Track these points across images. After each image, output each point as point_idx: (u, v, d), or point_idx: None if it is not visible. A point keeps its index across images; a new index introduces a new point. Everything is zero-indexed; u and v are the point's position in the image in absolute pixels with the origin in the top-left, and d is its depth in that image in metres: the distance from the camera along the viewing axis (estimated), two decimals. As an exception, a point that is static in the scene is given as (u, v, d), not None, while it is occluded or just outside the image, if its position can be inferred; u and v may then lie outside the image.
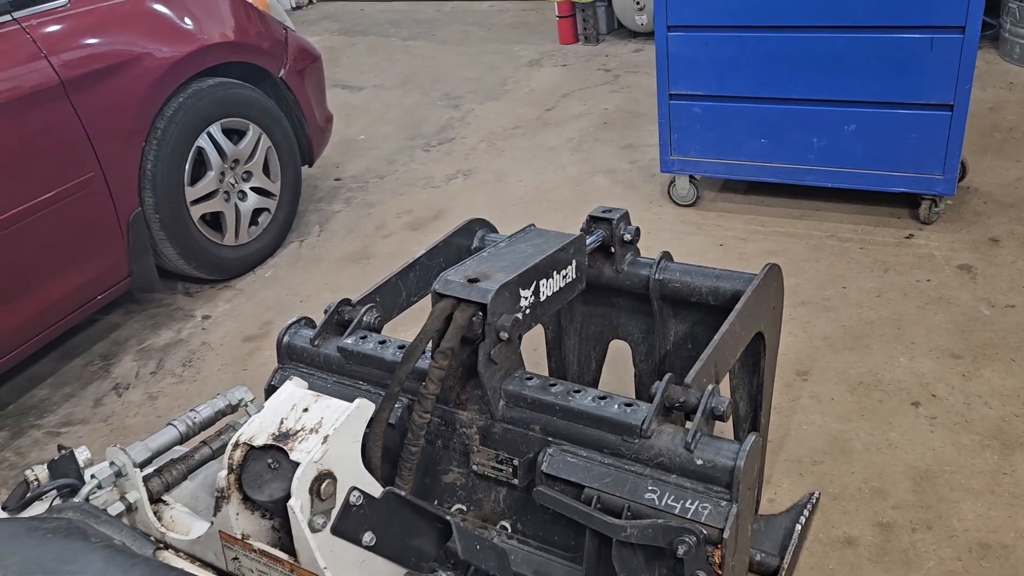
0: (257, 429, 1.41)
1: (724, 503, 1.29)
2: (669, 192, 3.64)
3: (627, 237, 1.88)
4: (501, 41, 6.12)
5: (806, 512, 1.96)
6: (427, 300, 1.61)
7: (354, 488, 1.36)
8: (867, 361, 2.59)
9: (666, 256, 1.90)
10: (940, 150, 3.02)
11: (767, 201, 3.53)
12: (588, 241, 1.81)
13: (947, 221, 3.22)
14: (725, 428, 2.05)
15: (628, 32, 5.74)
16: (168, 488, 1.58)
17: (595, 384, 2.17)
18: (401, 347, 1.66)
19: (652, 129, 3.54)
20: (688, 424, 1.38)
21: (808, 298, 2.91)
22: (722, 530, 1.26)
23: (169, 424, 1.62)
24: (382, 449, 1.54)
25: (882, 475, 2.19)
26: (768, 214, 3.46)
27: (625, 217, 1.89)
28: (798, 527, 1.90)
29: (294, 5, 7.83)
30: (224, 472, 1.38)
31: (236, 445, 1.40)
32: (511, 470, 1.52)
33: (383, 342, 1.70)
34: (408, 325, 2.14)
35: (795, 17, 3.03)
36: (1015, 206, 3.27)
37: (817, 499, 2.06)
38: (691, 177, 3.55)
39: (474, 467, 1.57)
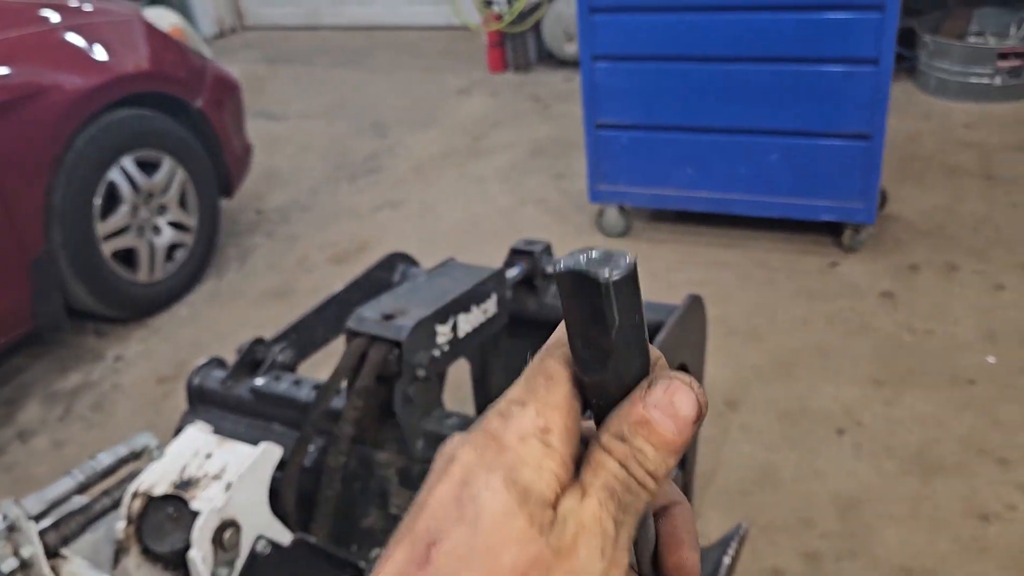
0: (157, 477, 1.35)
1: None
2: (599, 222, 3.64)
3: (550, 270, 1.86)
4: (430, 70, 6.11)
5: (735, 544, 1.94)
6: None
7: (260, 537, 1.31)
8: (794, 390, 2.61)
9: (590, 288, 1.88)
10: (859, 179, 3.09)
11: (696, 230, 3.56)
12: (510, 275, 1.78)
13: (869, 249, 3.29)
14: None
15: (557, 61, 5.79)
16: (66, 541, 1.50)
17: (522, 419, 2.13)
18: (316, 387, 1.60)
19: (582, 158, 3.54)
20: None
21: (736, 327, 2.92)
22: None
23: (67, 474, 1.53)
24: (296, 494, 1.48)
25: (809, 504, 2.19)
26: (697, 243, 3.48)
27: (547, 250, 1.87)
28: (726, 560, 1.87)
29: (216, 33, 7.71)
30: (122, 524, 1.32)
31: (134, 495, 1.34)
32: (430, 514, 1.46)
33: (297, 382, 1.64)
34: (328, 363, 2.06)
35: (718, 48, 3.08)
36: (933, 233, 3.36)
37: (746, 531, 2.04)
38: (620, 207, 3.56)
39: (393, 509, 1.52)
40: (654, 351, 0.39)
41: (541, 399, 0.38)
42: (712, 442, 2.41)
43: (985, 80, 4.43)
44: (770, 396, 2.59)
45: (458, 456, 0.37)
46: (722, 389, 2.61)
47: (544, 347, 0.40)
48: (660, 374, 0.38)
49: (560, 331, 0.40)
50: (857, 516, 2.15)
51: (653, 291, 3.09)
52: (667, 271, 3.32)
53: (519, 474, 0.36)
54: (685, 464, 1.89)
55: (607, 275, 0.35)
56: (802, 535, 2.11)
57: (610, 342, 0.36)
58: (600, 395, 0.38)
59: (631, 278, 0.35)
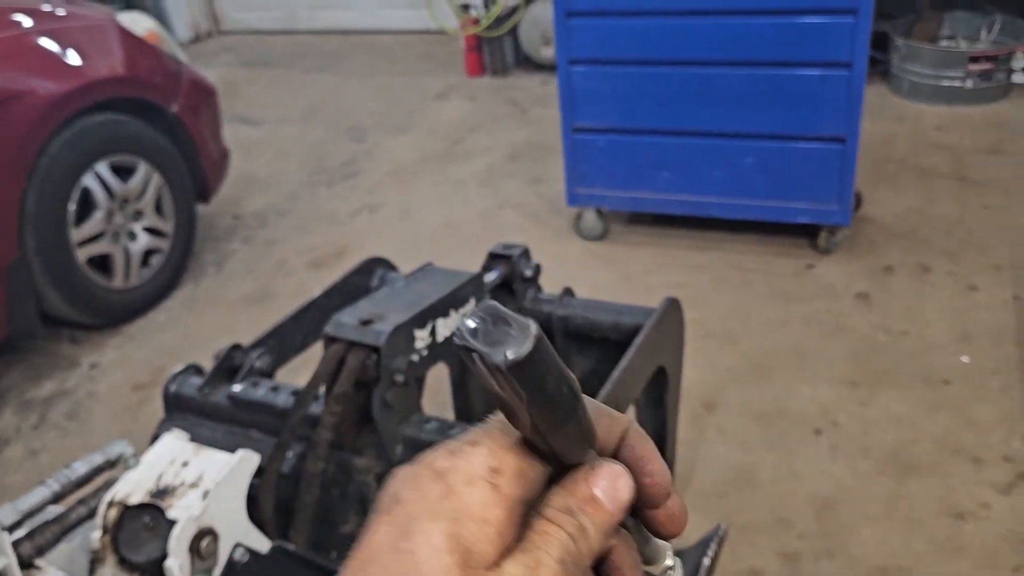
0: (133, 486, 1.34)
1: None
2: (576, 225, 3.65)
3: (528, 274, 1.86)
4: (408, 74, 6.10)
5: (714, 546, 1.95)
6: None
7: (238, 545, 1.30)
8: (771, 391, 2.63)
9: (568, 292, 1.89)
10: (834, 181, 3.12)
11: (673, 233, 3.58)
12: (488, 279, 1.78)
13: (844, 251, 3.33)
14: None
15: (535, 65, 5.81)
16: (41, 552, 1.48)
17: (501, 423, 2.13)
18: (294, 393, 1.59)
19: (560, 162, 3.55)
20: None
21: (713, 330, 2.94)
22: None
23: (41, 483, 1.51)
24: (275, 500, 1.47)
25: (786, 505, 2.21)
26: (674, 246, 3.50)
27: (525, 253, 1.87)
28: (706, 561, 1.88)
29: (192, 37, 7.66)
30: (98, 533, 1.31)
31: (110, 504, 1.33)
32: (410, 519, 1.46)
33: (275, 388, 1.64)
34: (306, 369, 2.05)
35: (694, 53, 3.10)
36: (907, 235, 3.40)
37: (725, 532, 2.05)
38: (598, 210, 3.57)
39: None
40: (623, 418, 0.40)
41: (495, 439, 0.37)
42: (689, 444, 2.42)
43: (957, 83, 4.49)
44: (747, 398, 2.61)
45: (402, 496, 0.36)
46: (699, 391, 2.62)
47: None
48: (600, 460, 0.39)
49: None
50: (834, 516, 2.17)
51: (630, 294, 3.12)
52: (644, 274, 3.33)
53: (462, 528, 0.34)
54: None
55: (502, 357, 0.33)
56: (780, 535, 2.13)
57: (555, 396, 0.35)
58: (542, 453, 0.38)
59: (533, 355, 0.33)
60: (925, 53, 4.56)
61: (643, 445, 0.42)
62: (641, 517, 0.42)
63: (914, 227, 3.45)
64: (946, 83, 4.52)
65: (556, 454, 0.38)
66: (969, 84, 4.47)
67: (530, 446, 0.38)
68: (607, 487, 0.38)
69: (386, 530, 0.35)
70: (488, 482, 0.36)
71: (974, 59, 4.44)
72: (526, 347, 0.33)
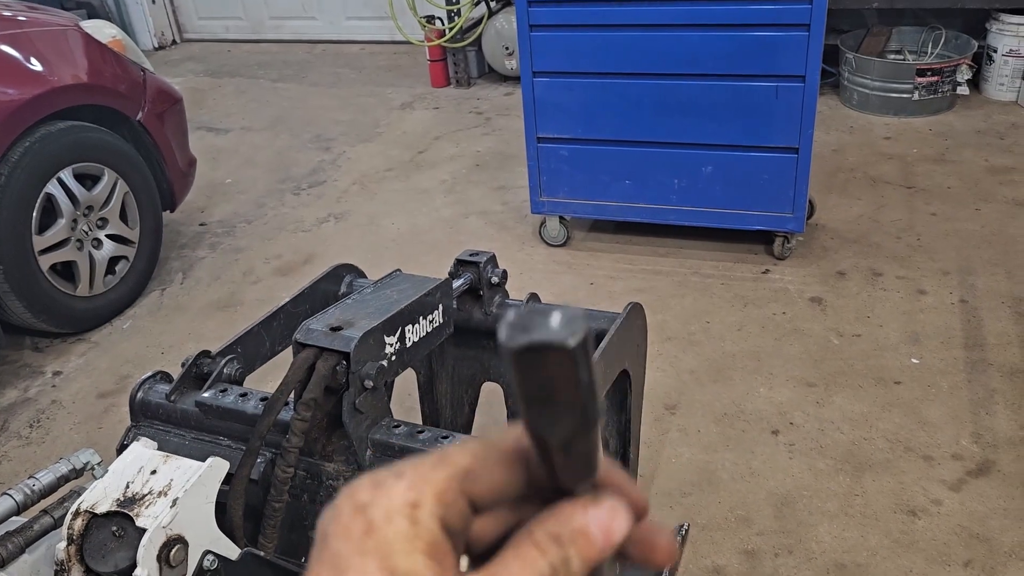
0: (100, 495, 1.33)
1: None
2: (540, 233, 3.70)
3: (494, 280, 1.90)
4: (373, 84, 6.12)
5: (676, 544, 2.01)
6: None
7: (208, 552, 1.30)
8: (730, 393, 2.70)
9: (533, 297, 1.93)
10: (789, 190, 3.21)
11: (634, 240, 3.65)
12: (455, 285, 1.82)
13: (799, 257, 3.42)
14: (596, 465, 2.07)
15: (499, 76, 5.86)
16: (4, 563, 1.47)
17: (469, 427, 2.17)
18: (263, 399, 1.60)
19: (523, 171, 3.60)
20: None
21: (674, 333, 3.01)
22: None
23: (4, 493, 1.50)
24: (245, 507, 1.48)
25: (746, 503, 2.27)
26: (636, 252, 3.57)
27: (492, 260, 1.91)
28: (669, 560, 1.94)
29: (156, 45, 7.59)
30: (63, 543, 1.30)
31: (76, 513, 1.32)
32: (379, 521, 1.48)
33: (244, 395, 1.64)
34: (275, 376, 2.07)
35: (653, 65, 3.17)
36: (858, 241, 3.50)
37: (687, 530, 2.11)
38: (561, 218, 3.63)
39: (342, 520, 1.53)
40: (607, 461, 0.39)
41: (421, 473, 0.36)
42: (652, 445, 2.48)
43: (905, 95, 4.64)
44: (707, 399, 2.67)
45: (328, 533, 0.35)
46: (661, 393, 2.68)
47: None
48: (605, 492, 0.37)
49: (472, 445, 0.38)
50: (792, 513, 2.24)
51: (593, 299, 3.18)
52: (606, 279, 3.39)
53: (394, 562, 0.33)
54: (627, 463, 1.94)
55: (571, 340, 0.32)
56: (740, 533, 2.19)
57: (579, 402, 0.34)
58: (563, 456, 0.36)
59: (588, 335, 0.33)
60: (874, 66, 4.69)
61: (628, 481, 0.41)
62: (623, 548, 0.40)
63: (865, 233, 3.56)
64: (894, 95, 4.66)
65: (558, 474, 0.36)
66: (916, 96, 4.62)
67: (546, 451, 0.36)
68: (604, 523, 0.36)
69: (320, 570, 0.34)
70: (406, 517, 0.34)
71: (921, 72, 4.58)
72: (582, 322, 0.32)
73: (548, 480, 0.37)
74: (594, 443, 0.36)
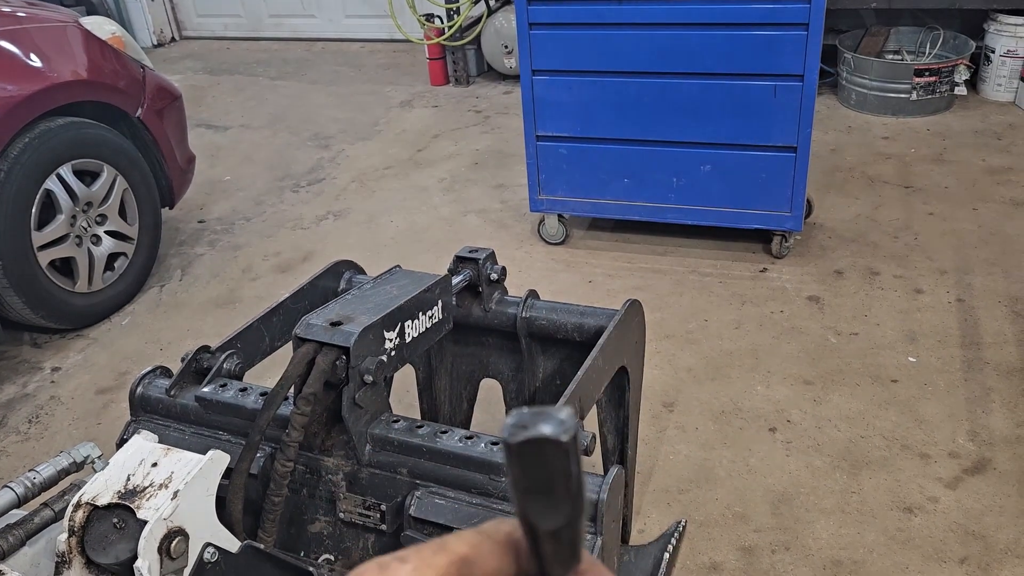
0: (101, 487, 1.34)
1: (589, 536, 1.30)
2: (539, 231, 3.71)
3: (493, 276, 1.90)
4: (372, 82, 6.12)
5: (674, 541, 2.01)
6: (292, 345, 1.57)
7: (208, 544, 1.31)
8: (728, 390, 2.71)
9: (532, 294, 1.93)
10: (787, 189, 3.22)
11: (633, 239, 3.65)
12: (454, 281, 1.82)
13: (797, 255, 3.43)
14: (595, 461, 2.08)
15: (498, 75, 5.86)
16: (4, 556, 1.47)
17: (467, 423, 2.17)
18: (263, 394, 1.61)
19: (522, 169, 3.61)
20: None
21: (672, 331, 3.01)
22: (586, 564, 1.27)
23: (5, 486, 1.50)
24: (244, 501, 1.49)
25: (744, 500, 2.28)
26: (634, 251, 3.58)
27: (491, 257, 1.91)
28: (666, 556, 1.95)
29: (155, 43, 7.59)
30: (64, 535, 1.31)
31: (78, 505, 1.32)
32: (379, 515, 1.49)
33: (244, 390, 1.65)
34: (274, 371, 2.07)
35: (652, 64, 3.18)
36: (856, 240, 3.51)
37: (684, 527, 2.11)
38: (560, 216, 3.63)
39: (341, 514, 1.54)
40: (586, 553, 0.42)
41: (423, 558, 0.38)
42: (650, 442, 2.48)
43: (903, 95, 4.65)
44: (705, 397, 2.68)
45: None
46: (659, 391, 2.69)
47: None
48: (593, 569, 0.41)
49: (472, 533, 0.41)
50: (789, 510, 2.24)
51: (591, 297, 3.19)
52: (605, 277, 3.40)
53: None
54: (625, 460, 1.95)
55: (565, 436, 0.35)
56: (737, 529, 2.19)
57: (570, 493, 0.37)
58: (553, 544, 0.39)
59: (579, 434, 0.37)
60: (872, 66, 4.71)
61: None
62: None
63: (863, 233, 3.57)
64: (892, 95, 4.67)
65: (547, 561, 0.40)
66: (914, 96, 4.63)
67: (540, 541, 0.39)
68: None
69: None
70: None
71: (919, 72, 4.59)
72: (573, 420, 0.36)
73: (537, 568, 0.41)
74: (580, 533, 0.40)
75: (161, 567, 1.26)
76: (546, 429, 0.36)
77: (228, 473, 1.42)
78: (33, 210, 3.03)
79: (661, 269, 3.43)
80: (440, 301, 1.70)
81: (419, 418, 2.09)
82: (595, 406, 1.89)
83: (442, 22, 5.72)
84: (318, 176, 4.64)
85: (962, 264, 3.28)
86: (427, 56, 5.90)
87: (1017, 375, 2.67)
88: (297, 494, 1.58)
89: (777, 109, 3.08)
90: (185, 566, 1.29)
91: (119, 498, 1.30)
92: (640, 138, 3.32)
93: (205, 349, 1.74)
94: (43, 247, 3.08)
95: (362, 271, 2.06)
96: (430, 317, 1.68)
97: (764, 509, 2.25)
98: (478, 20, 5.69)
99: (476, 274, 1.88)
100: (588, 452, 1.40)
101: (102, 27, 3.44)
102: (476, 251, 1.90)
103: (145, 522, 1.24)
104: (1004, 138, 4.37)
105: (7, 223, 2.93)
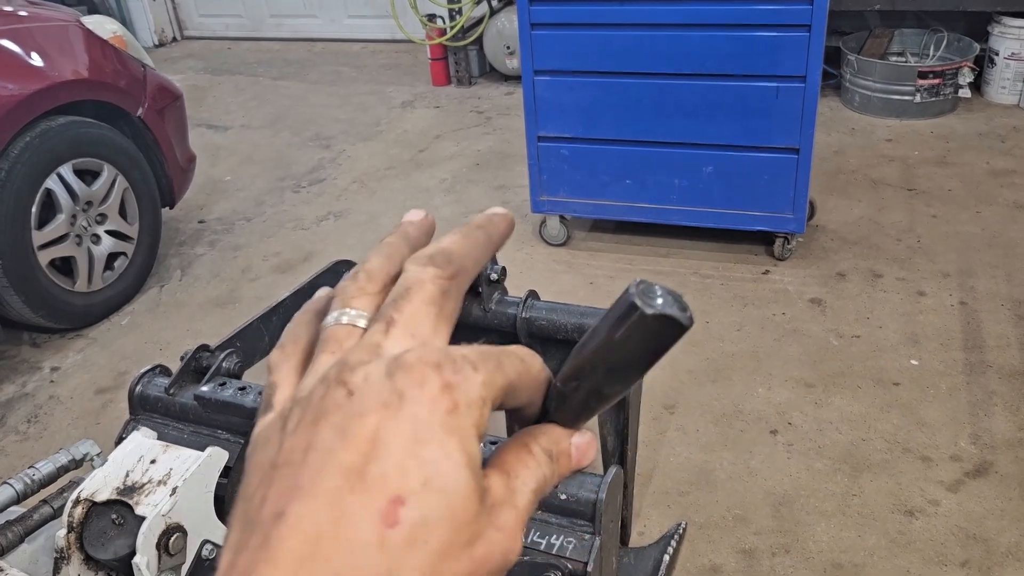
0: (100, 484, 1.33)
1: (588, 536, 1.29)
2: (540, 232, 3.70)
3: (493, 276, 1.89)
4: (373, 82, 6.12)
5: (674, 543, 2.00)
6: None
7: (207, 541, 1.31)
8: (729, 393, 2.70)
9: (532, 295, 1.92)
10: (789, 191, 3.21)
11: (634, 240, 3.65)
12: (454, 280, 1.81)
13: (799, 257, 3.42)
14: (595, 463, 2.08)
15: (500, 75, 5.86)
16: (3, 552, 1.47)
17: (467, 424, 2.16)
18: (262, 393, 1.60)
19: (524, 170, 3.61)
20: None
21: (673, 333, 3.00)
22: (586, 563, 1.26)
23: (4, 483, 1.50)
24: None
25: (744, 503, 2.27)
26: (636, 252, 3.57)
27: (491, 258, 1.90)
28: (666, 558, 1.93)
29: (157, 43, 7.60)
30: (63, 531, 1.30)
31: (76, 502, 1.32)
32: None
33: (243, 388, 1.64)
34: (272, 370, 2.06)
35: (654, 65, 3.17)
36: (859, 243, 3.51)
37: (684, 529, 2.10)
38: (561, 217, 3.63)
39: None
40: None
41: (488, 370, 0.38)
42: (650, 444, 2.48)
43: (906, 97, 4.64)
44: (706, 399, 2.67)
45: (407, 397, 0.35)
46: (660, 393, 2.68)
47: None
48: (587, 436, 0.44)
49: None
50: (790, 513, 2.23)
51: (593, 299, 3.18)
52: (606, 279, 3.39)
53: (469, 447, 0.35)
54: (625, 462, 1.94)
55: (688, 324, 0.36)
56: (738, 532, 2.19)
57: (647, 368, 0.38)
58: (586, 399, 0.41)
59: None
60: (876, 68, 4.70)
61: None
62: None
63: (866, 235, 3.56)
64: (896, 97, 4.66)
65: (567, 409, 0.42)
66: (918, 98, 4.62)
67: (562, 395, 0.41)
68: (583, 450, 0.44)
69: (395, 428, 0.34)
70: (479, 410, 0.37)
71: (923, 74, 4.59)
72: (687, 311, 0.37)
73: (552, 411, 0.43)
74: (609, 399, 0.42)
75: (159, 563, 1.26)
76: (675, 311, 0.36)
77: (227, 471, 1.41)
78: (33, 209, 3.02)
79: (663, 271, 3.42)
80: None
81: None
82: (595, 407, 1.88)
83: (444, 22, 5.72)
84: (319, 176, 4.64)
85: (965, 267, 3.27)
86: (429, 56, 5.90)
87: (1019, 378, 2.66)
88: (296, 493, 1.57)
89: (779, 111, 3.07)
90: (183, 562, 1.29)
91: (118, 494, 1.30)
92: (642, 139, 3.31)
93: (204, 348, 1.74)
94: (43, 246, 3.08)
95: (362, 270, 2.05)
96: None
97: (764, 512, 2.24)
98: (480, 20, 5.69)
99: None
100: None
101: (103, 26, 3.44)
102: (477, 251, 1.89)
103: (144, 518, 1.24)
104: (1008, 141, 4.37)
105: (7, 222, 2.93)
